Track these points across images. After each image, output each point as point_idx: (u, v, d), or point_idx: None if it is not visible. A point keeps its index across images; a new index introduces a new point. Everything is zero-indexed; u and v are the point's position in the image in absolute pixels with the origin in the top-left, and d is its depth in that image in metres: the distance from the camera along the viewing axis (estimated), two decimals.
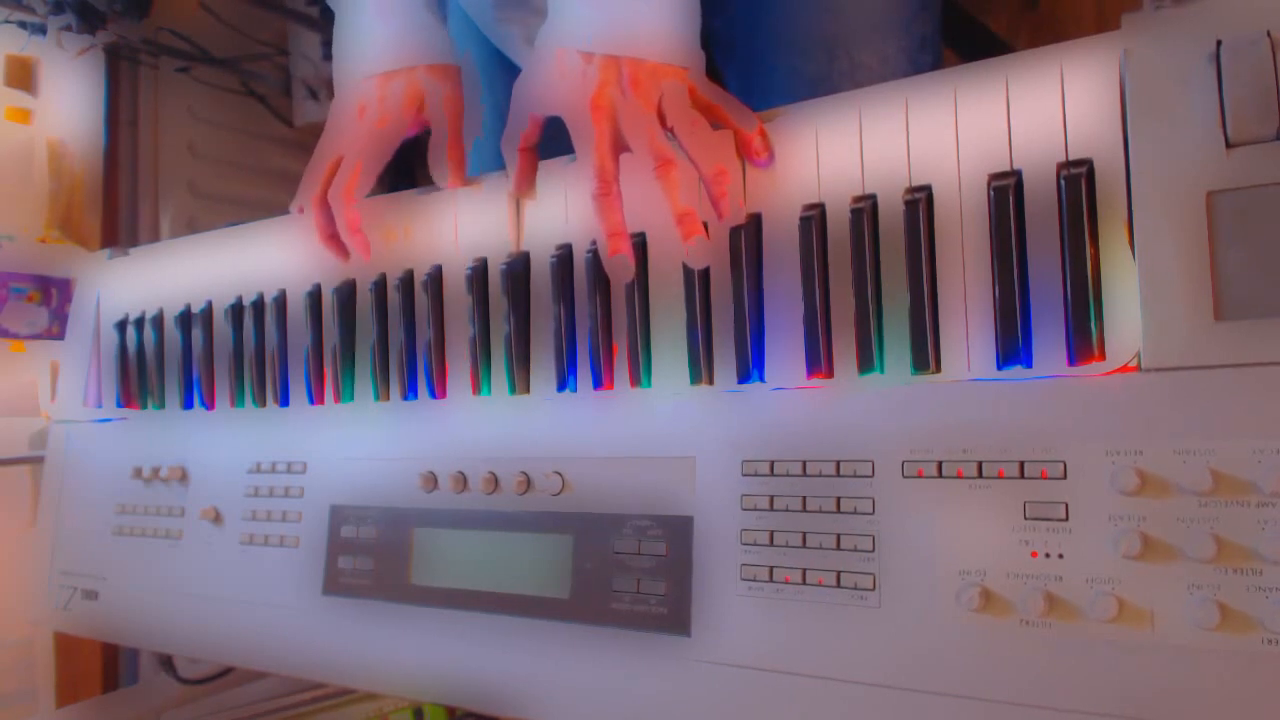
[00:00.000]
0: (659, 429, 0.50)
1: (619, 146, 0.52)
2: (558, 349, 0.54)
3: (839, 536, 0.44)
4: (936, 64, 0.70)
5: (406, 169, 1.63)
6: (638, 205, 0.51)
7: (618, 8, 0.52)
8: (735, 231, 0.49)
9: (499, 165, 0.58)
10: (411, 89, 0.64)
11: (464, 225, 0.59)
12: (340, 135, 0.64)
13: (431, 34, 0.65)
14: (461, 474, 0.56)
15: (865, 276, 0.45)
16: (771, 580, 0.45)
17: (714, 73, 0.74)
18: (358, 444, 0.61)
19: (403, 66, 0.64)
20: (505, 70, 0.78)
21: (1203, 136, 0.38)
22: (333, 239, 0.62)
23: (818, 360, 0.46)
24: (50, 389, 1.13)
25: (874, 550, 0.43)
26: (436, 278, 0.59)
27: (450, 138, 0.63)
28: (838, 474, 0.44)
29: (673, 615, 0.47)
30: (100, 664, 1.16)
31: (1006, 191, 0.42)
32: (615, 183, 0.51)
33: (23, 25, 1.15)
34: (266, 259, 0.68)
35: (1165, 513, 0.37)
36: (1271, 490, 0.35)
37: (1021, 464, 0.40)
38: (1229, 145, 0.37)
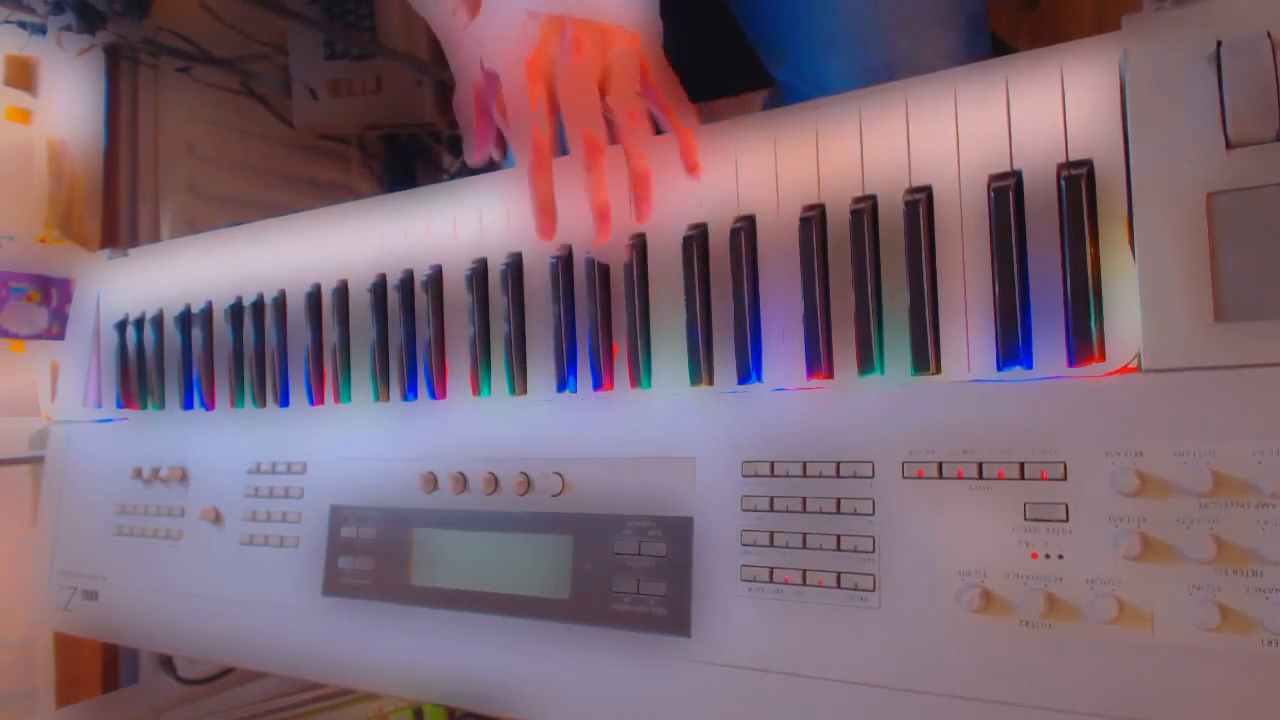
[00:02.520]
0: (659, 429, 0.50)
1: (555, 111, 0.48)
2: (557, 349, 0.54)
3: (839, 537, 0.44)
4: (986, 45, 0.68)
5: (407, 169, 1.63)
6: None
7: None
8: (735, 232, 0.48)
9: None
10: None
11: (463, 225, 0.59)
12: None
13: None
14: (461, 474, 0.56)
15: (865, 277, 0.45)
16: (772, 581, 0.45)
17: (763, 76, 0.73)
18: (358, 444, 0.61)
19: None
20: None
21: (1203, 137, 0.38)
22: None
23: (818, 361, 0.46)
24: (50, 389, 1.13)
25: (874, 551, 0.43)
26: (436, 278, 0.59)
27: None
28: (838, 475, 0.44)
29: (673, 616, 0.47)
30: (100, 664, 1.16)
31: (1006, 192, 0.42)
32: (550, 153, 0.47)
33: (23, 25, 1.15)
34: (266, 259, 0.68)
35: (1165, 513, 0.37)
36: (1271, 491, 0.35)
37: (1021, 465, 0.40)
38: (1229, 146, 0.37)
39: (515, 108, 0.48)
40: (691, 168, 0.48)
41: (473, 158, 0.54)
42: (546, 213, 0.48)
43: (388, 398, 0.61)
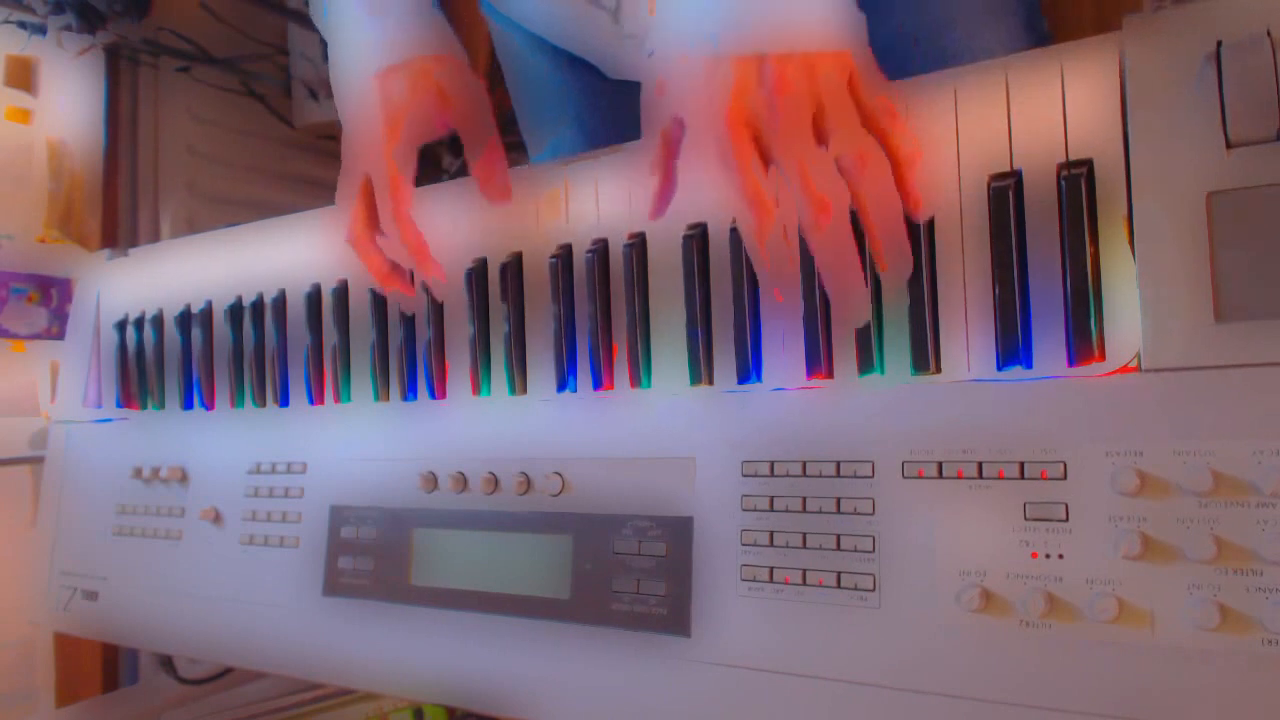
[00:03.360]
0: (659, 429, 0.50)
1: (767, 165, 0.42)
2: (558, 349, 0.54)
3: (839, 537, 0.44)
4: (1041, 25, 0.67)
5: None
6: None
7: None
8: (735, 232, 0.48)
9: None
10: (424, 81, 0.56)
11: (463, 225, 0.59)
12: (361, 152, 0.56)
13: (432, 24, 0.59)
14: (461, 474, 0.56)
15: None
16: (771, 581, 0.45)
17: None
18: (358, 444, 0.61)
19: (405, 59, 0.56)
20: (538, 49, 0.75)
21: (1203, 136, 0.38)
22: (393, 275, 0.57)
23: (818, 360, 0.46)
24: (50, 389, 1.13)
25: (874, 551, 0.43)
26: None
27: (489, 148, 0.57)
28: (838, 474, 0.44)
29: (673, 615, 0.47)
30: (100, 664, 1.16)
31: (1006, 191, 0.42)
32: (774, 214, 0.42)
33: (23, 25, 1.15)
34: (266, 259, 0.68)
35: (1165, 513, 0.37)
36: (1271, 490, 0.35)
37: (1021, 464, 0.40)
38: (1229, 145, 0.37)
39: (717, 164, 0.42)
40: (914, 204, 0.42)
41: (658, 213, 0.48)
42: (790, 279, 0.43)
43: (388, 398, 0.61)
